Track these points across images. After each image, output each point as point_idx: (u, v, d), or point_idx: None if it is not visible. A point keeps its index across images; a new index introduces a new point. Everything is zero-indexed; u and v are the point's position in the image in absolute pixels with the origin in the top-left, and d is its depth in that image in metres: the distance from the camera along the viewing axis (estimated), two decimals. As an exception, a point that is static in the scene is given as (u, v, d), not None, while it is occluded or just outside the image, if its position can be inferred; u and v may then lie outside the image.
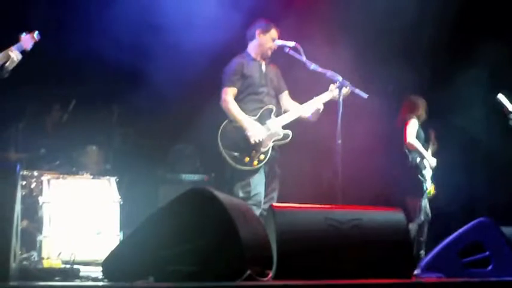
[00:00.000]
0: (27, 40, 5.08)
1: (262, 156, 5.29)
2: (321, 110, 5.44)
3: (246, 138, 5.26)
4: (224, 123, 5.33)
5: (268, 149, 5.32)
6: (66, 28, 6.61)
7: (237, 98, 5.39)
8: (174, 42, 7.12)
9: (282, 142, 5.39)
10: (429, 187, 6.44)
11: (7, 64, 4.94)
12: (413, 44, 7.04)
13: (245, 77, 5.40)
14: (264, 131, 5.33)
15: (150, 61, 7.13)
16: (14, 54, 4.95)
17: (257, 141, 5.25)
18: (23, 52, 5.03)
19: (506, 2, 6.81)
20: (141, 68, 7.09)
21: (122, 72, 7.00)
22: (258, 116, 5.37)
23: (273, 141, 5.35)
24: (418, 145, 6.47)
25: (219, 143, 5.27)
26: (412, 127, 6.53)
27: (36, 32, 5.11)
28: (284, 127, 5.41)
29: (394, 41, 6.85)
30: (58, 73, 6.60)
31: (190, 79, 7.00)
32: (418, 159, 6.45)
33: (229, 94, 5.37)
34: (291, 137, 5.39)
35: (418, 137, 6.54)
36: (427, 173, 6.48)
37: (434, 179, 6.55)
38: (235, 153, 5.25)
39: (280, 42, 5.43)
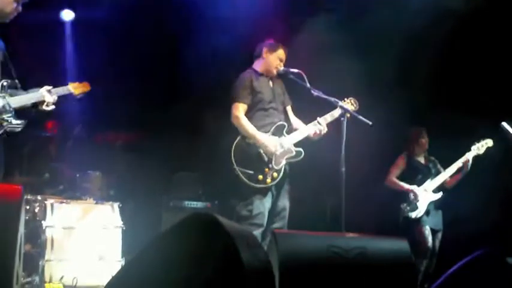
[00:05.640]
0: (79, 88, 4.68)
1: (275, 174, 5.16)
2: (325, 131, 5.31)
3: (259, 155, 5.14)
4: (237, 140, 5.17)
5: (282, 167, 5.19)
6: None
7: (247, 115, 5.25)
8: (175, 71, 7.21)
9: (295, 160, 5.25)
10: (421, 214, 6.35)
11: (39, 105, 4.37)
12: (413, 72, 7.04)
13: (255, 93, 5.29)
14: (279, 147, 5.21)
15: (153, 88, 7.23)
16: (47, 97, 4.37)
17: (273, 156, 5.12)
18: (67, 96, 4.58)
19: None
20: (144, 94, 7.17)
21: (126, 98, 7.07)
22: (270, 132, 5.23)
23: (286, 159, 5.23)
24: (396, 184, 6.52)
25: (232, 159, 5.09)
26: (395, 165, 6.63)
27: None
28: (295, 145, 5.28)
29: (400, 68, 6.87)
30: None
31: (192, 105, 7.05)
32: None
33: (240, 110, 5.23)
34: (303, 155, 5.26)
35: (410, 171, 6.57)
36: (422, 203, 6.36)
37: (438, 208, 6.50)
38: (249, 171, 5.09)
39: (284, 69, 5.35)
